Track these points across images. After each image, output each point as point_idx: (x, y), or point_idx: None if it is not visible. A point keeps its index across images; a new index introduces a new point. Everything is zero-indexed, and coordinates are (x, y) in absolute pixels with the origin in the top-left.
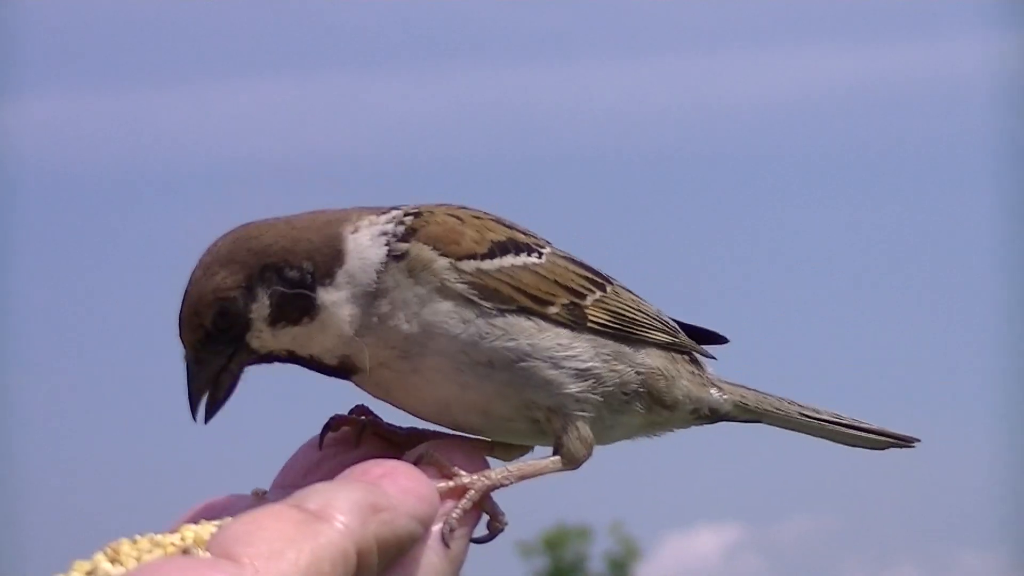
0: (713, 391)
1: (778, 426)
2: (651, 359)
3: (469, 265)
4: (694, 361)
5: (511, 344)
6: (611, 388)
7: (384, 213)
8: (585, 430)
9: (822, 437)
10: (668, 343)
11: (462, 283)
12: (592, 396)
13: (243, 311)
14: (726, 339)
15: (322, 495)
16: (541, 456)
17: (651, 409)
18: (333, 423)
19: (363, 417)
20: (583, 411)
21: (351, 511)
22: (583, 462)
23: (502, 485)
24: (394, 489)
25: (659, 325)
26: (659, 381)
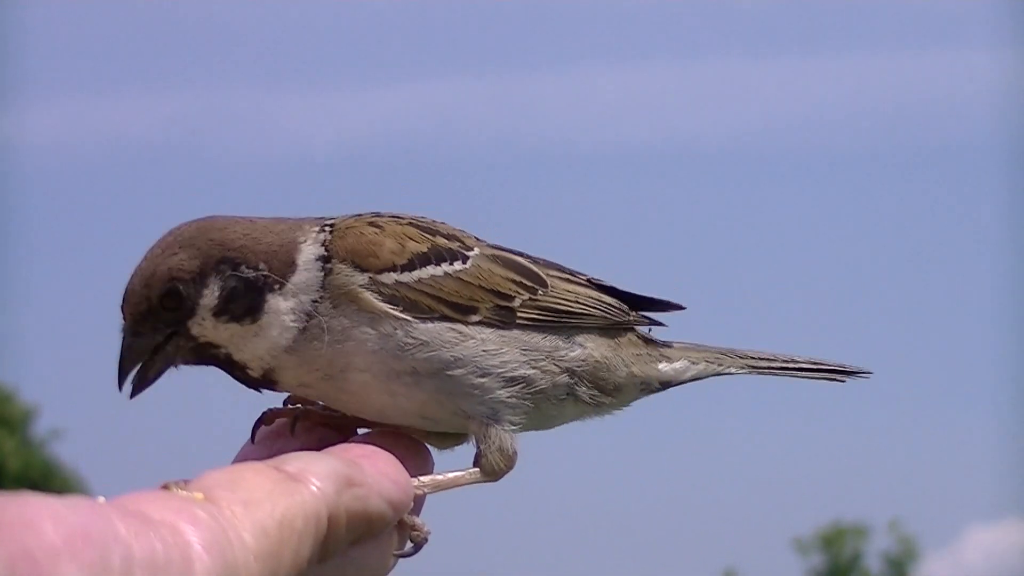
0: (661, 365)
1: (738, 375)
2: (589, 349)
3: (388, 278)
4: (641, 339)
5: (432, 355)
6: (544, 386)
7: (321, 228)
8: (507, 442)
9: (781, 376)
10: (609, 325)
11: (381, 297)
12: (523, 401)
13: (192, 296)
14: (682, 307)
15: (300, 460)
16: (459, 468)
17: (594, 396)
18: (267, 416)
19: (298, 406)
20: (513, 416)
21: (327, 478)
22: (503, 475)
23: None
24: (372, 470)
25: (598, 312)
26: (599, 370)
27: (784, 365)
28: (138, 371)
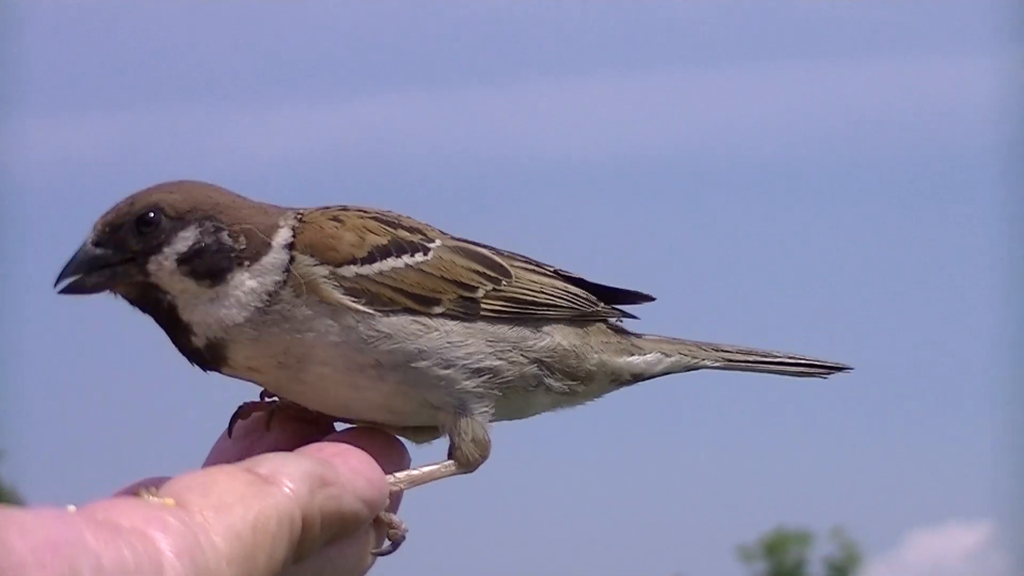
0: (633, 357)
1: (713, 369)
2: (557, 337)
3: (348, 271)
4: (610, 328)
5: (396, 347)
6: (511, 377)
7: (295, 216)
8: (480, 432)
9: (758, 372)
10: (577, 316)
11: (342, 290)
12: (491, 390)
13: (167, 232)
14: (652, 297)
15: (273, 462)
16: (434, 461)
17: (564, 384)
18: (243, 410)
19: (275, 399)
20: (483, 407)
21: (300, 479)
22: (478, 465)
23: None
24: (345, 468)
25: (566, 303)
26: (568, 358)
27: (762, 359)
28: (80, 275)
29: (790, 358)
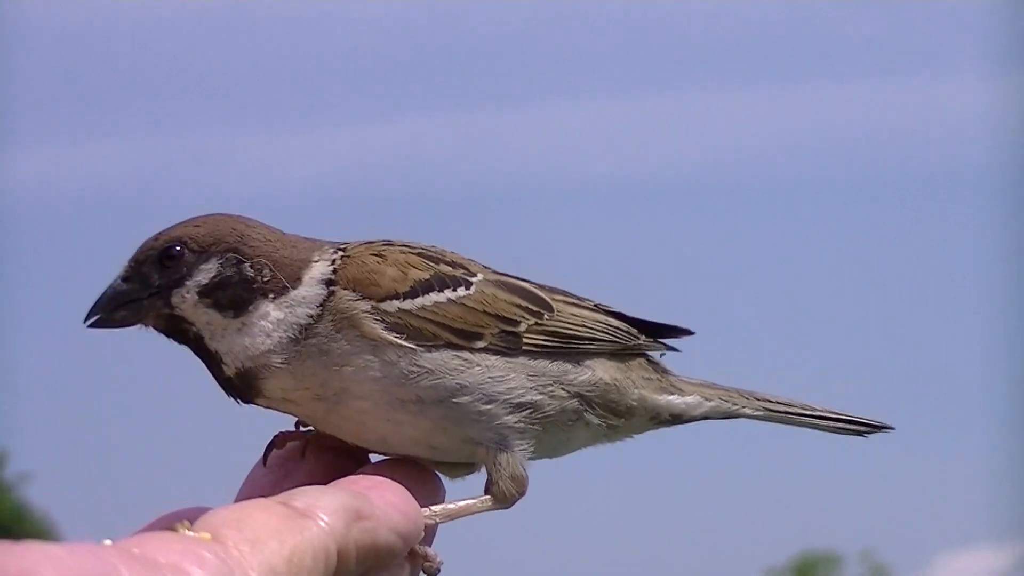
0: (673, 397)
1: (753, 419)
2: (598, 372)
3: (391, 306)
4: (651, 365)
5: (437, 382)
6: (552, 412)
7: (336, 250)
8: (518, 469)
9: (797, 425)
10: (618, 350)
11: (384, 326)
12: (531, 425)
13: (189, 266)
14: (691, 331)
15: (308, 496)
16: (470, 496)
17: (605, 419)
18: (278, 439)
19: (309, 429)
20: (523, 443)
21: (335, 513)
22: (515, 501)
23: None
24: (380, 501)
25: (606, 336)
26: (609, 393)
27: (802, 412)
28: (107, 308)
29: (831, 413)
